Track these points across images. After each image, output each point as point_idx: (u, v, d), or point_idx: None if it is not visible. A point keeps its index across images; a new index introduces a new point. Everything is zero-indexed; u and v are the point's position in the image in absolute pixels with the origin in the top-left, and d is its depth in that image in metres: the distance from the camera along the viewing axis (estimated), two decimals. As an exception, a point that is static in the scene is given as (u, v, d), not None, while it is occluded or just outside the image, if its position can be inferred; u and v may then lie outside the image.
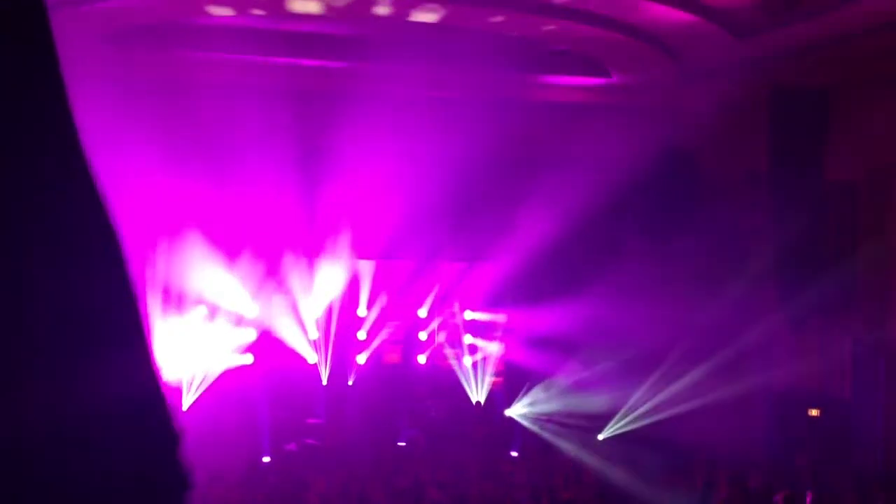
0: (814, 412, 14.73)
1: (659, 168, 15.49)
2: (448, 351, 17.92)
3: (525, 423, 16.73)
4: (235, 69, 14.51)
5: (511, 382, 17.55)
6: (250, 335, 16.49)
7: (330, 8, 12.57)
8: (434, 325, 17.88)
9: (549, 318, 16.16)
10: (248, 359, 16.54)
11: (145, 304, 15.15)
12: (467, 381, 17.67)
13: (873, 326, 13.76)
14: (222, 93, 14.65)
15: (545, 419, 16.51)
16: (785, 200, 14.03)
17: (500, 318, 17.81)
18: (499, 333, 17.81)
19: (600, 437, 15.88)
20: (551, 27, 13.10)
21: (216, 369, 16.09)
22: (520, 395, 17.10)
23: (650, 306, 15.35)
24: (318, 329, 16.95)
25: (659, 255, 15.91)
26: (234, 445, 15.12)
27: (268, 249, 16.13)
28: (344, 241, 16.32)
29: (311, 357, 16.92)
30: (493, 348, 17.83)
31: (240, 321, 16.37)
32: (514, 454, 15.97)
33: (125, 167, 12.81)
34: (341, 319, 17.09)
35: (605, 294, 15.46)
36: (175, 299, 15.78)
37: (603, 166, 15.33)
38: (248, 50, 13.74)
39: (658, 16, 12.51)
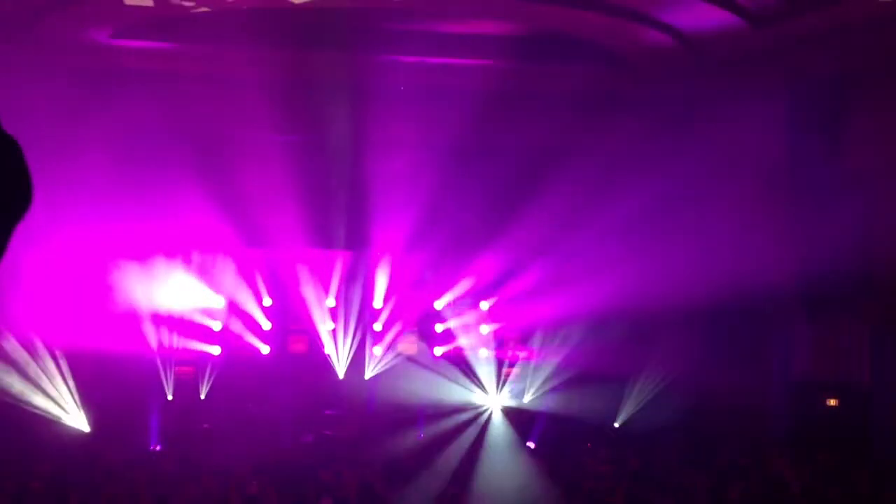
0: (832, 402, 14.69)
1: None
2: (465, 342, 17.82)
3: None
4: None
5: (527, 372, 17.52)
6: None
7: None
8: (451, 317, 17.80)
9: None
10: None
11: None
12: (483, 372, 17.61)
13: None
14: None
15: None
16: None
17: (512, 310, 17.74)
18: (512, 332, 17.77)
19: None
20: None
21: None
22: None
23: None
24: (333, 320, 16.95)
25: None
26: (252, 436, 15.17)
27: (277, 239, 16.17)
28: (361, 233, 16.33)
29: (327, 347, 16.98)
30: (510, 340, 17.80)
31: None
32: (531, 445, 15.96)
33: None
34: (358, 311, 17.05)
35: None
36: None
37: None
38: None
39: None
